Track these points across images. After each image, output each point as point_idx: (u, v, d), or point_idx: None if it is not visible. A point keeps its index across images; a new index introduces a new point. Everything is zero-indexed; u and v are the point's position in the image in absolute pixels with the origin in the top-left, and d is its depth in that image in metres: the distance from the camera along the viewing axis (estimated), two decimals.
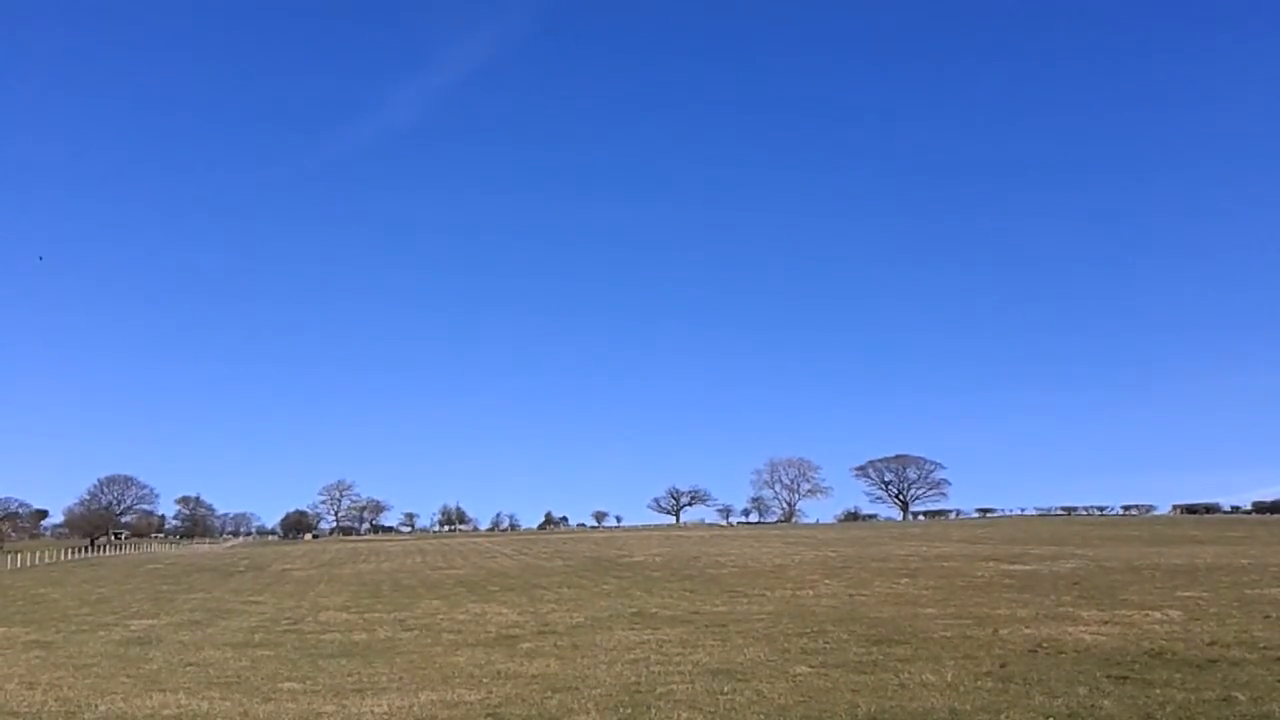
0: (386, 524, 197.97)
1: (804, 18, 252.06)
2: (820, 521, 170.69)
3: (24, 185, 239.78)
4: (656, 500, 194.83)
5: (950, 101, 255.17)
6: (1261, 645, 15.50)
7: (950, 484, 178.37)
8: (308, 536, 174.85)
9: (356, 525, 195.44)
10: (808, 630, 19.48)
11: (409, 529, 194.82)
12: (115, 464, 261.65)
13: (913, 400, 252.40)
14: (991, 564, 39.18)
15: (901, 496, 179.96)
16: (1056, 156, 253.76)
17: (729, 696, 12.45)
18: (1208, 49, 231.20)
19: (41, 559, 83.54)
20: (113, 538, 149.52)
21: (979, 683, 12.92)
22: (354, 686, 14.58)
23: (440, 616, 25.51)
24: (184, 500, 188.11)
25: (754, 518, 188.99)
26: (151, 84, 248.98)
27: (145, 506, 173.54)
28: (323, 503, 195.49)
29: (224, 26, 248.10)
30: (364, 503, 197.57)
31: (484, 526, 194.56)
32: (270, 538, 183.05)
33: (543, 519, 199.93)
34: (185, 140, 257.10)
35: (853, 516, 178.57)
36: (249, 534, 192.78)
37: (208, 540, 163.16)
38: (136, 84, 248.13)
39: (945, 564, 40.09)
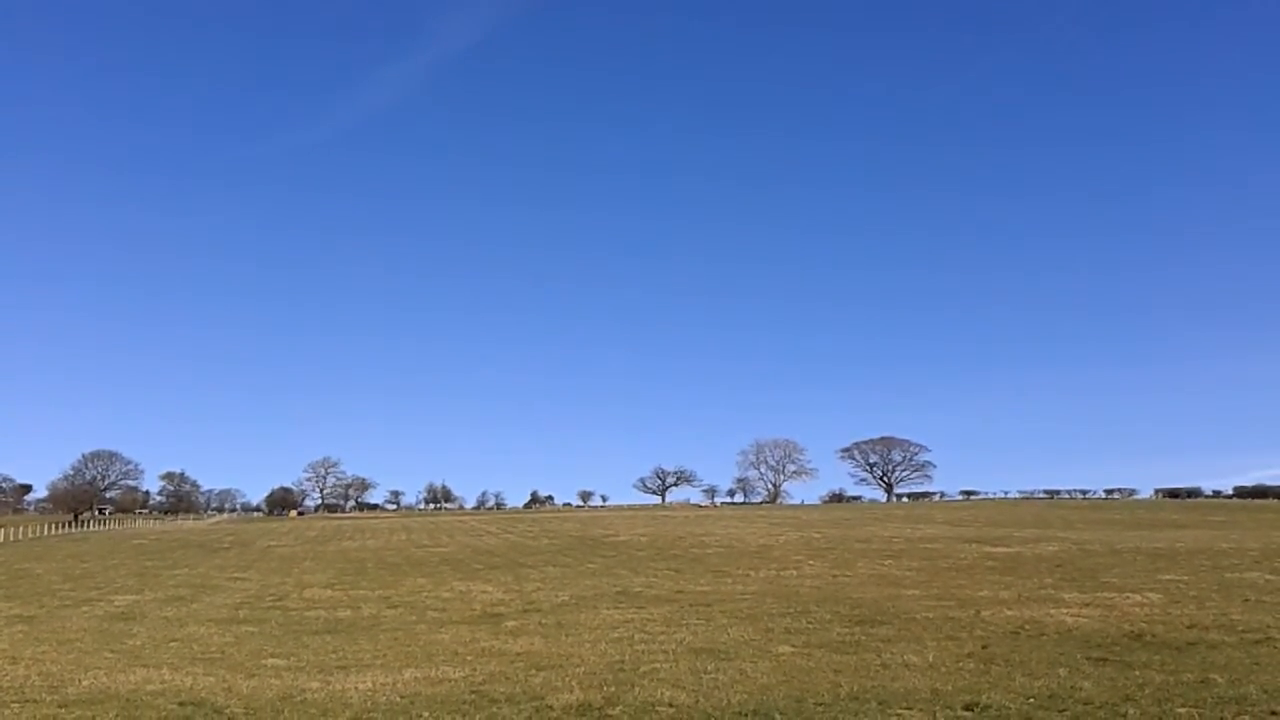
0: (372, 501, 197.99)
1: None
2: (805, 503, 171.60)
3: (6, 161, 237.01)
4: (642, 480, 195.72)
5: (942, 77, 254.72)
6: (1240, 628, 15.66)
7: (934, 466, 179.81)
8: (293, 513, 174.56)
9: (342, 502, 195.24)
10: (791, 610, 19.57)
11: (394, 507, 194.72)
12: (100, 439, 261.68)
13: (898, 383, 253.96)
14: (974, 546, 39.44)
15: (886, 478, 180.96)
16: (1046, 146, 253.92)
17: (712, 675, 12.50)
18: (1211, 25, 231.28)
19: (25, 534, 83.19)
20: (97, 513, 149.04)
21: (961, 664, 13.02)
22: (338, 663, 14.58)
23: (425, 594, 25.53)
24: (169, 476, 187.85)
25: (739, 498, 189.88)
26: (136, 55, 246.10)
27: (130, 482, 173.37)
28: (308, 480, 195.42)
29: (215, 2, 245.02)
30: (349, 480, 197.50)
31: (470, 505, 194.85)
32: (255, 514, 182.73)
33: (529, 498, 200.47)
34: (172, 114, 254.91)
35: (837, 498, 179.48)
36: (234, 510, 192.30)
37: (192, 516, 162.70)
38: (125, 54, 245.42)
39: (929, 546, 40.33)
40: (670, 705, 10.79)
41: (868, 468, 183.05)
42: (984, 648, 14.26)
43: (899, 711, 10.25)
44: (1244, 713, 9.93)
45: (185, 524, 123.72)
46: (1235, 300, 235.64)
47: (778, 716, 10.18)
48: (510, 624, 18.83)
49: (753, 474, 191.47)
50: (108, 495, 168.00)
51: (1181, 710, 10.02)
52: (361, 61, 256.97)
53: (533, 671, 13.23)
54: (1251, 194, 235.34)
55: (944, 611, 18.73)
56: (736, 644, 15.28)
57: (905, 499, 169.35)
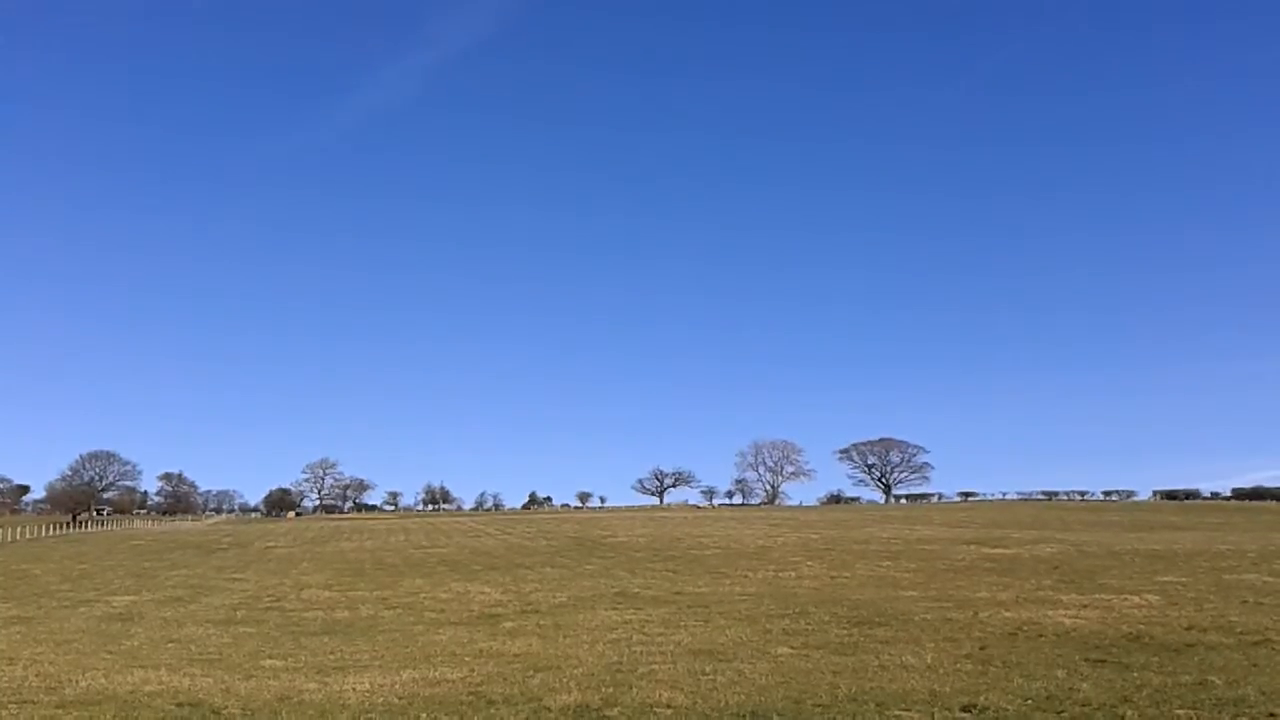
0: (370, 503, 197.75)
1: None
2: (803, 504, 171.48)
3: (6, 161, 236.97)
4: (640, 481, 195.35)
5: (944, 78, 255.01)
6: (1238, 630, 15.68)
7: (933, 468, 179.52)
8: (291, 514, 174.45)
9: (340, 504, 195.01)
10: (789, 611, 19.58)
11: (392, 508, 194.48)
12: (98, 440, 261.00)
13: (897, 384, 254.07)
14: (972, 548, 39.46)
15: (884, 480, 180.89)
16: (1046, 146, 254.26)
17: (710, 677, 12.50)
18: (1210, 25, 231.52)
19: (23, 534, 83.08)
20: (95, 514, 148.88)
21: (959, 665, 13.02)
22: (336, 664, 14.58)
23: (423, 595, 25.52)
24: (166, 477, 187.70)
25: (737, 500, 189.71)
26: (137, 55, 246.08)
27: (128, 483, 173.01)
28: (306, 481, 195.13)
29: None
30: (347, 481, 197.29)
31: (468, 506, 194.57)
32: (253, 515, 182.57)
33: (527, 499, 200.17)
34: (172, 114, 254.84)
35: (835, 499, 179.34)
36: (232, 511, 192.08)
37: (190, 517, 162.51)
38: (125, 54, 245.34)
39: (927, 547, 40.35)
40: (668, 706, 10.78)
41: (866, 469, 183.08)
42: (982, 649, 14.27)
43: (897, 713, 10.25)
44: (1242, 714, 9.93)
45: (183, 525, 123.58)
46: (1233, 302, 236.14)
47: (776, 718, 10.18)
48: (508, 625, 18.83)
49: (751, 475, 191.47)
50: (106, 496, 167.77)
51: (1179, 712, 10.03)
52: (361, 61, 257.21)
53: (530, 673, 13.22)
54: (1251, 194, 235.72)
55: (942, 613, 18.74)
56: (734, 645, 15.28)
57: (903, 500, 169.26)
